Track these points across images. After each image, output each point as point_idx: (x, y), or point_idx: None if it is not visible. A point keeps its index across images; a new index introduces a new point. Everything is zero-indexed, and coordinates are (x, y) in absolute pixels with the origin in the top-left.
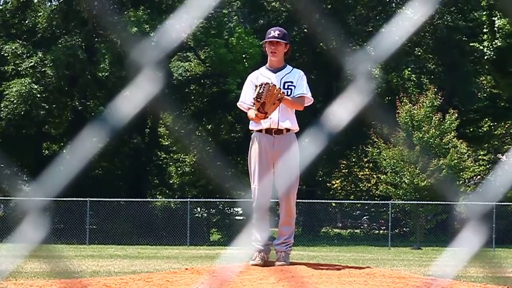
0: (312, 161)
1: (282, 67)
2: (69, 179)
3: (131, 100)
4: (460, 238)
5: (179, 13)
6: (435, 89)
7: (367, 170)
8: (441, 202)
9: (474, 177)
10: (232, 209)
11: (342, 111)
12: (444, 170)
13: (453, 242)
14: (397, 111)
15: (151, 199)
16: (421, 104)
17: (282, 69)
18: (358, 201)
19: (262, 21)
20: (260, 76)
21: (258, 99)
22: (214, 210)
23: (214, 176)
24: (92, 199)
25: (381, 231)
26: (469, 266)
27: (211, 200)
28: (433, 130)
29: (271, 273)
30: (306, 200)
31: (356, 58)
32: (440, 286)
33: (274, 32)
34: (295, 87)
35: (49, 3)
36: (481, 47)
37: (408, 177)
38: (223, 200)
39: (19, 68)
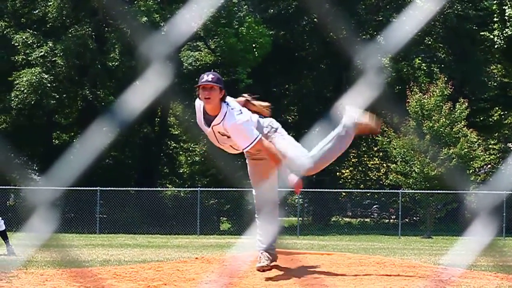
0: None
1: (217, 114)
2: (79, 169)
3: (141, 93)
4: (471, 228)
5: (189, 3)
6: (445, 78)
7: (377, 159)
8: (451, 191)
9: (484, 166)
10: (242, 198)
11: (352, 103)
12: (454, 159)
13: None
14: (407, 100)
15: (161, 189)
16: (431, 93)
17: (216, 117)
18: (368, 190)
19: (272, 10)
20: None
21: None
22: (224, 200)
23: (224, 166)
24: (102, 188)
25: (391, 220)
26: (479, 256)
27: (221, 189)
28: (443, 119)
29: (281, 262)
30: (316, 190)
31: (366, 50)
32: (451, 275)
33: (207, 76)
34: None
35: None
36: (492, 36)
37: (418, 166)
38: (233, 189)
39: (30, 58)
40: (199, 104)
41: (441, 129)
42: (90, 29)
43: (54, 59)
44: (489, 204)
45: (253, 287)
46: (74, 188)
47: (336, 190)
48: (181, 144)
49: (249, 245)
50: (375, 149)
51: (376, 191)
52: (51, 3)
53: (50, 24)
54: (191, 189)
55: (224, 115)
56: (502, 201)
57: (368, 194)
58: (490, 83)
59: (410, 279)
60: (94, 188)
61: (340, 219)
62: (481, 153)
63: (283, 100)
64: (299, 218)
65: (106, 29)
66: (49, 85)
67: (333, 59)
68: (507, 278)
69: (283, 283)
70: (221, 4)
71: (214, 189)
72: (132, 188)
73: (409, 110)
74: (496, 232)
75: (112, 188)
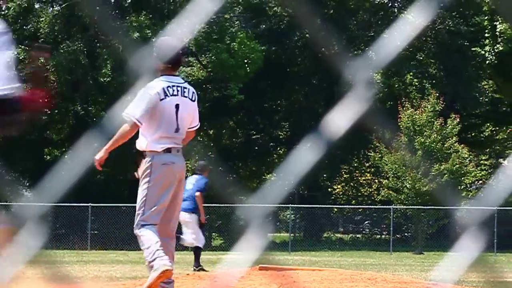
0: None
1: None
2: (70, 185)
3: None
4: (460, 244)
5: (180, 19)
6: (437, 94)
7: (368, 175)
8: (443, 207)
9: (476, 182)
10: (233, 214)
11: (341, 119)
12: (446, 175)
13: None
14: (399, 115)
15: None
16: (423, 109)
17: None
18: (360, 206)
19: (264, 26)
20: None
21: None
22: (215, 215)
23: (216, 181)
24: (93, 204)
25: (382, 236)
26: (470, 271)
27: (213, 205)
28: (435, 135)
29: (272, 278)
30: (307, 205)
31: (355, 64)
32: None
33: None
34: None
35: (51, 9)
36: (483, 52)
37: (409, 182)
38: (225, 205)
39: (21, 74)
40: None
41: (432, 145)
42: (82, 44)
43: (45, 74)
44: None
45: None
46: (65, 204)
47: (327, 206)
48: None
49: (239, 261)
50: (367, 164)
51: (367, 206)
52: (43, 19)
53: (42, 40)
54: None
55: None
56: (493, 216)
57: (360, 210)
58: (481, 98)
59: None
60: (86, 204)
61: (331, 235)
62: (473, 169)
63: (275, 115)
64: (291, 234)
65: (98, 44)
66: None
67: (324, 75)
68: None
69: None
70: (213, 19)
71: (206, 204)
72: (123, 204)
73: (401, 126)
74: (487, 248)
75: (103, 204)
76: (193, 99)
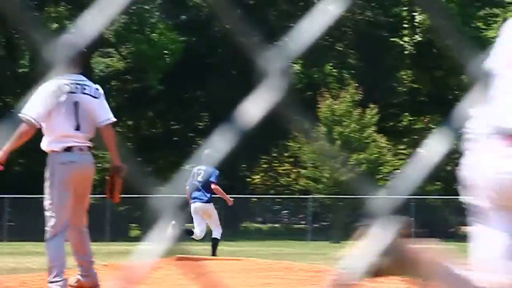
0: (227, 157)
1: None
2: None
3: None
4: (372, 232)
5: (98, 9)
6: (356, 84)
7: (287, 164)
8: (361, 196)
9: (394, 171)
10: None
11: (254, 108)
12: (364, 165)
13: (366, 236)
14: (318, 106)
15: None
16: (342, 99)
17: None
18: (279, 196)
19: (183, 17)
20: None
21: None
22: (133, 206)
23: (134, 172)
24: (10, 195)
25: (301, 226)
26: (380, 259)
27: (131, 196)
28: (354, 124)
29: (190, 268)
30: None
31: (269, 53)
32: (351, 279)
33: None
34: None
35: None
36: (402, 42)
37: (328, 172)
38: (143, 196)
39: None
40: None
41: (351, 135)
42: None
43: None
44: (390, 208)
45: None
46: None
47: (246, 196)
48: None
49: (152, 251)
50: (286, 154)
51: (286, 196)
52: None
53: None
54: (100, 196)
55: None
56: (409, 205)
57: (279, 200)
58: (400, 88)
59: (318, 284)
60: (2, 196)
61: (250, 225)
62: (391, 158)
63: (194, 106)
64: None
65: (16, 35)
66: None
67: (244, 66)
68: (412, 283)
69: None
70: (133, 10)
71: (125, 195)
72: (41, 195)
73: (320, 116)
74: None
75: (20, 196)
76: (96, 95)
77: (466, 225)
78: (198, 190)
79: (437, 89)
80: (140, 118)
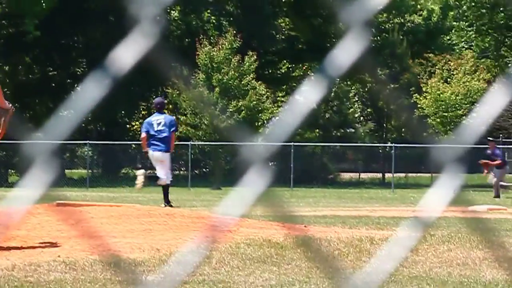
0: (108, 103)
1: None
2: None
3: None
4: (245, 179)
5: None
6: (234, 32)
7: (166, 111)
8: (240, 143)
9: (273, 118)
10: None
11: (125, 54)
12: (243, 112)
13: (239, 182)
14: (197, 53)
15: None
16: (220, 46)
17: None
18: None
19: None
20: None
21: None
22: (12, 152)
23: (11, 118)
24: None
25: (181, 172)
26: (258, 205)
27: (9, 142)
28: (232, 72)
29: (70, 214)
30: (105, 142)
31: (142, 0)
32: (239, 225)
33: None
34: None
35: None
36: None
37: (207, 119)
38: (21, 142)
39: None
40: None
41: (230, 82)
42: None
43: None
44: (264, 154)
45: (41, 238)
46: None
47: (126, 143)
48: None
49: (26, 197)
50: (165, 101)
51: None
52: None
53: None
54: None
55: None
56: (289, 152)
57: None
58: (278, 36)
59: (199, 229)
60: None
61: (129, 171)
62: (270, 106)
63: (72, 52)
64: (89, 170)
65: None
66: None
67: (121, 11)
68: (293, 228)
69: (71, 234)
70: None
71: (2, 141)
72: None
73: (199, 63)
74: (283, 183)
75: None
76: None
77: (344, 172)
78: (161, 139)
79: (316, 37)
80: (17, 64)
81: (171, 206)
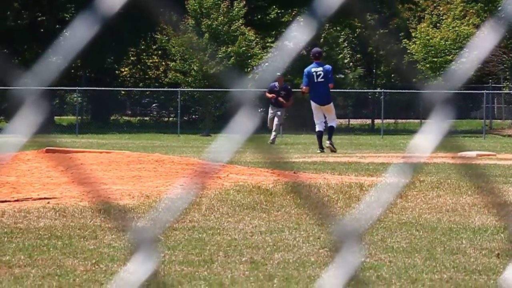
0: (98, 48)
1: None
2: None
3: None
4: (234, 121)
5: None
6: None
7: (156, 57)
8: (229, 89)
9: (262, 64)
10: (20, 97)
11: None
12: (232, 58)
13: (227, 128)
14: None
15: None
16: None
17: None
18: (148, 89)
19: None
20: None
21: None
22: (1, 98)
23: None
24: None
25: (170, 119)
26: (248, 150)
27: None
28: (222, 17)
29: (59, 160)
30: (94, 88)
31: None
32: (228, 171)
33: None
34: None
35: None
36: None
37: (197, 65)
38: (11, 88)
39: None
40: None
41: (219, 28)
42: None
43: None
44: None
45: (30, 185)
46: None
47: (115, 89)
48: None
49: (15, 143)
50: (154, 47)
51: (155, 89)
52: None
53: None
54: None
55: None
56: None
57: (148, 93)
58: None
59: (188, 175)
60: None
61: (119, 118)
62: (259, 51)
63: None
64: (78, 117)
65: None
66: None
67: None
68: (283, 175)
69: (61, 181)
70: None
71: None
72: None
73: (188, 8)
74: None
75: None
76: None
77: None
78: None
79: None
80: (5, 9)
81: None
